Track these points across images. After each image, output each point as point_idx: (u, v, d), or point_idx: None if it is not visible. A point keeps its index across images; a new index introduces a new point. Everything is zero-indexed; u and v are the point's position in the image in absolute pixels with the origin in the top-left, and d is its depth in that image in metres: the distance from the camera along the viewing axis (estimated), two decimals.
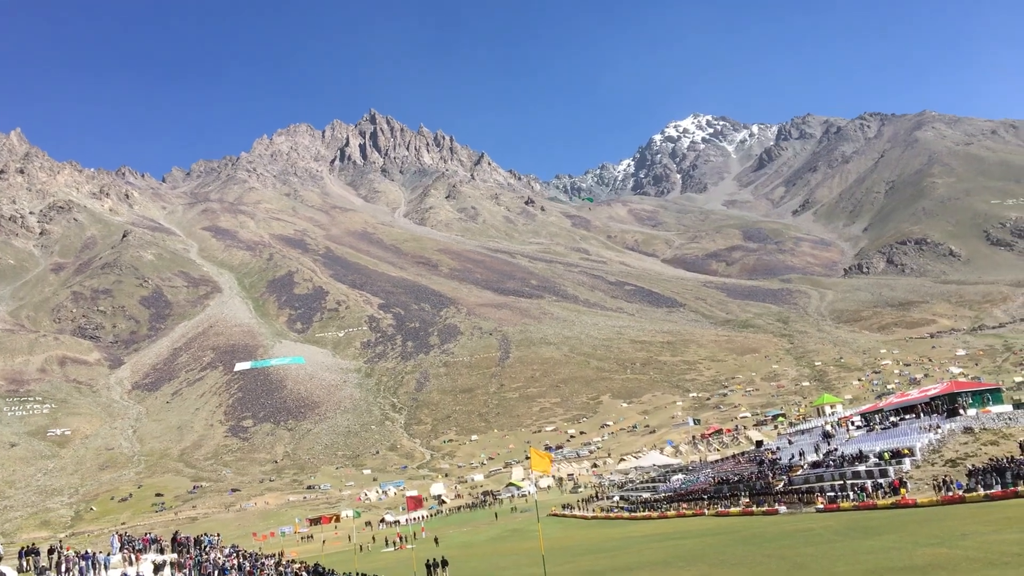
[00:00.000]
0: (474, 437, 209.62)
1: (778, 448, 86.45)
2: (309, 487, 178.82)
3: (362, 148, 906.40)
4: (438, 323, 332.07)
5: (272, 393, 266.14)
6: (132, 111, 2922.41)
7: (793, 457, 74.56)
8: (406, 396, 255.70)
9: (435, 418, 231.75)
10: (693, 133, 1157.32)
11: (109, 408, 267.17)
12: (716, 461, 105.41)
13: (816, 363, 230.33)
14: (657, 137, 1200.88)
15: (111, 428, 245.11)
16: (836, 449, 69.15)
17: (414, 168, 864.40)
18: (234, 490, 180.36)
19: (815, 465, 67.35)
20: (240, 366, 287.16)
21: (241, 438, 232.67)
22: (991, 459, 52.48)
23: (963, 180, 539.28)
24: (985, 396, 73.11)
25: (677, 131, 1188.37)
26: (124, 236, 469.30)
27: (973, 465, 52.53)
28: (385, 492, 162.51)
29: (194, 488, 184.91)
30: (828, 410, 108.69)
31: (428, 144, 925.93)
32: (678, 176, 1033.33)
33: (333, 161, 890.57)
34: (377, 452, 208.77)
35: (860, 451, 63.14)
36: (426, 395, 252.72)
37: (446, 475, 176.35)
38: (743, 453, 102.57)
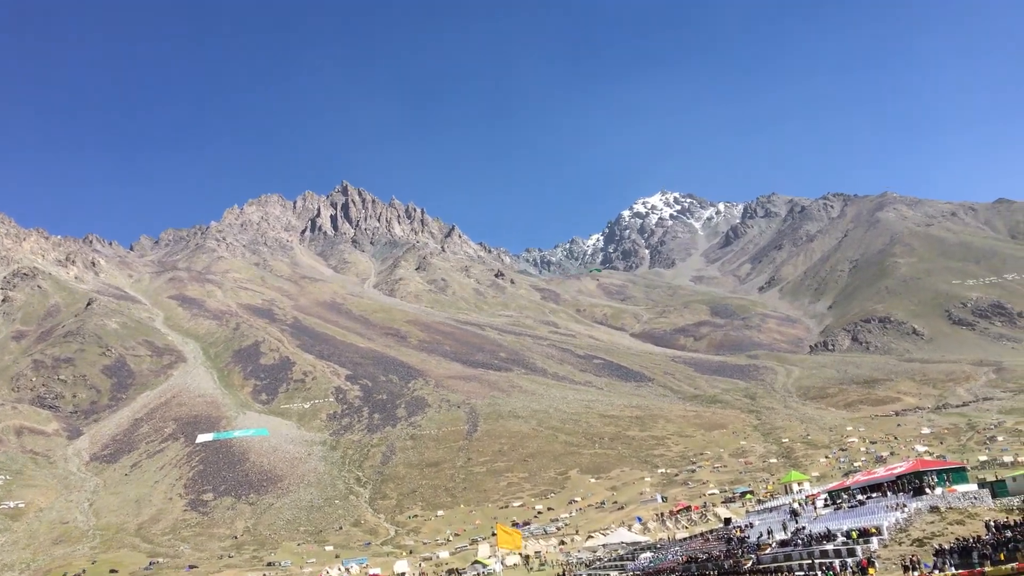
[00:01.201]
0: (440, 512, 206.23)
1: (746, 526, 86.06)
2: (269, 564, 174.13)
3: (333, 219, 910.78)
4: (406, 395, 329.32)
5: (234, 466, 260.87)
6: (102, 179, 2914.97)
7: (761, 535, 74.24)
8: (371, 470, 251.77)
9: (400, 492, 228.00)
10: (661, 210, 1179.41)
11: (66, 480, 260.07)
12: (685, 539, 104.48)
13: (783, 440, 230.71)
14: (626, 213, 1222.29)
15: (67, 501, 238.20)
16: (804, 527, 69.03)
17: (385, 239, 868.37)
18: (192, 566, 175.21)
19: (784, 544, 67.11)
20: (202, 438, 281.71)
21: (201, 512, 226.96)
22: (958, 539, 52.68)
23: (924, 260, 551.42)
24: (950, 475, 73.69)
25: (646, 207, 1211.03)
26: (88, 304, 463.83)
27: (940, 545, 52.69)
28: (348, 569, 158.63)
29: (150, 564, 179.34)
30: (796, 487, 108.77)
31: (399, 216, 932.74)
32: (646, 251, 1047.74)
33: (304, 231, 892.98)
34: (340, 527, 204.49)
35: (828, 529, 63.09)
36: (392, 468, 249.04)
37: (410, 552, 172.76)
38: (712, 531, 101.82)
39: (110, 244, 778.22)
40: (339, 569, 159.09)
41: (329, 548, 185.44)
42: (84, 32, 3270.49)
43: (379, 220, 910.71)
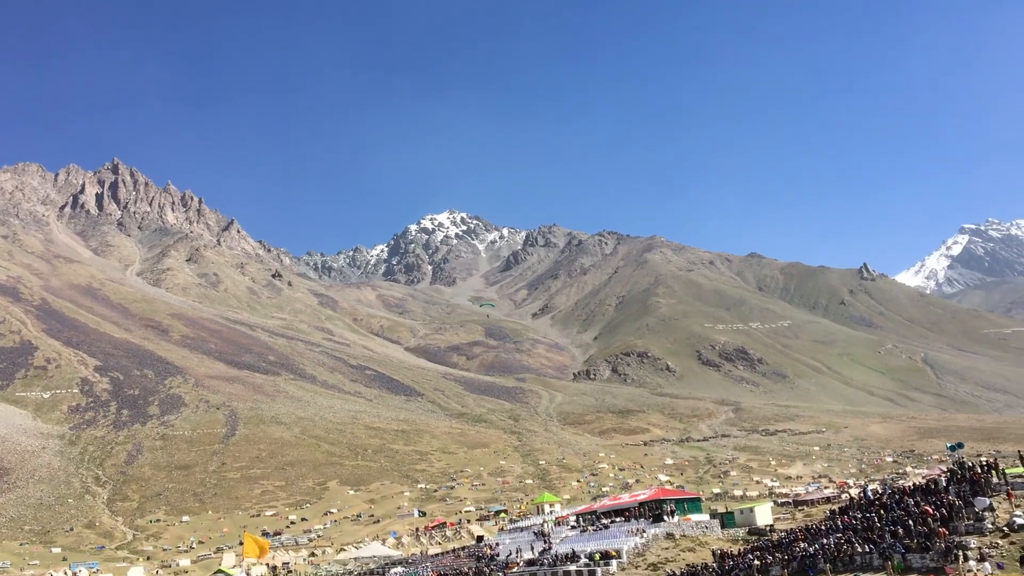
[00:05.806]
0: (185, 518, 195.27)
1: (497, 544, 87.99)
2: None
3: (99, 198, 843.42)
4: (161, 392, 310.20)
5: None
6: None
7: (511, 554, 76.18)
8: (114, 469, 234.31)
9: (144, 495, 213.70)
10: (448, 228, 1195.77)
11: None
12: (437, 555, 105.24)
13: (540, 462, 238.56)
14: (413, 227, 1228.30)
15: None
16: (551, 548, 71.54)
17: (155, 226, 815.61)
18: None
19: (531, 563, 69.19)
20: None
21: None
22: (688, 565, 56.58)
23: (683, 303, 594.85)
24: (687, 505, 79.25)
25: (433, 224, 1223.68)
26: None
27: (672, 570, 56.31)
28: (75, 574, 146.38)
29: None
30: (547, 508, 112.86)
31: (174, 203, 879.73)
32: (429, 267, 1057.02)
33: (64, 207, 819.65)
34: (71, 529, 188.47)
35: (573, 551, 65.74)
36: (137, 469, 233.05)
37: (148, 558, 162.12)
38: (464, 548, 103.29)
39: None
40: (65, 573, 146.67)
41: (56, 550, 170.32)
42: None
43: (151, 204, 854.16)
